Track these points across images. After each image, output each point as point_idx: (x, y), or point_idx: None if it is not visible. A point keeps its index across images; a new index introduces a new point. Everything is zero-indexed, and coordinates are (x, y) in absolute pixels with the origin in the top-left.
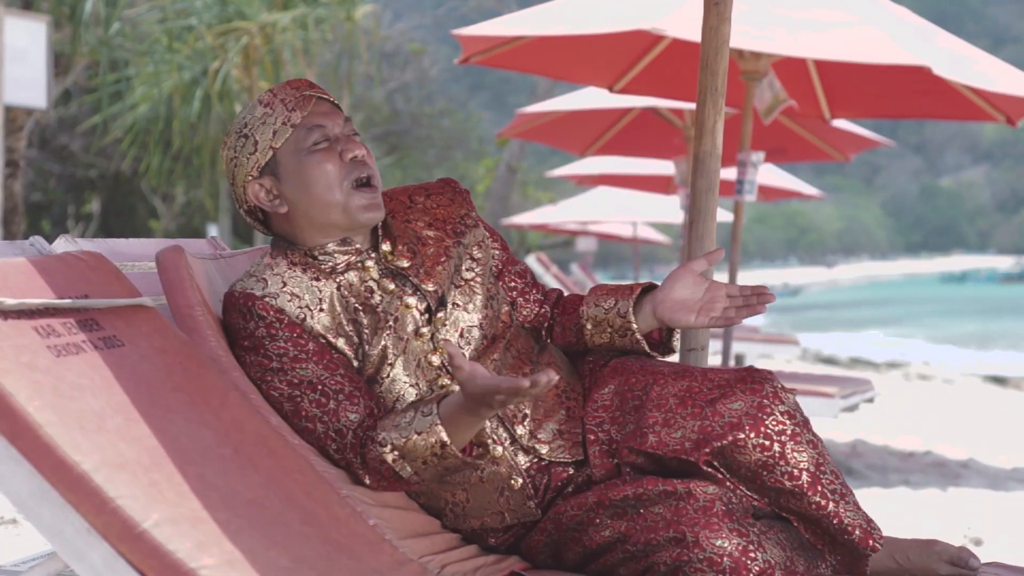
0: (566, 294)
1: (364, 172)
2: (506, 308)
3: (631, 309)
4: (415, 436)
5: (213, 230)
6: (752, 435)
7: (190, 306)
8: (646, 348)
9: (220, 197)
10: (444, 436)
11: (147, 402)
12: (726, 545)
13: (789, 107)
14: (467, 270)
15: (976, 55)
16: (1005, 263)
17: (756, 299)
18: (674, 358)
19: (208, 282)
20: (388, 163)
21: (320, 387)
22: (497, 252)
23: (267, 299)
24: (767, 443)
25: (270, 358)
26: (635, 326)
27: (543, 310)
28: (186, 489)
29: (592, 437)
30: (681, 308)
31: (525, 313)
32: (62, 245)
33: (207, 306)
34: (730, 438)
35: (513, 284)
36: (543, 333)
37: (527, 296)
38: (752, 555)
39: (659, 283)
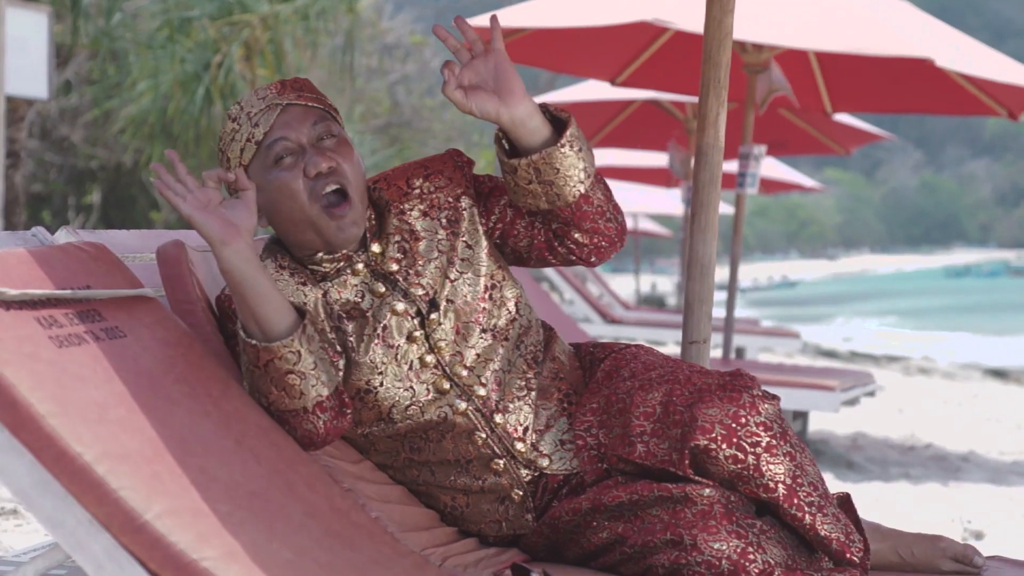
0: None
1: (332, 184)
2: (513, 297)
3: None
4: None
5: None
6: (724, 446)
7: (191, 301)
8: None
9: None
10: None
11: (149, 393)
12: (724, 548)
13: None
14: (463, 260)
15: (977, 48)
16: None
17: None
18: (675, 352)
19: (209, 274)
20: (389, 155)
21: None
22: (494, 217)
23: None
24: (740, 455)
25: None
26: (510, 161)
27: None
28: (187, 481)
29: (580, 443)
30: (487, 98)
31: (513, 242)
32: (64, 236)
33: (207, 301)
34: (702, 441)
35: (500, 217)
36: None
37: (516, 225)
38: (751, 556)
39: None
